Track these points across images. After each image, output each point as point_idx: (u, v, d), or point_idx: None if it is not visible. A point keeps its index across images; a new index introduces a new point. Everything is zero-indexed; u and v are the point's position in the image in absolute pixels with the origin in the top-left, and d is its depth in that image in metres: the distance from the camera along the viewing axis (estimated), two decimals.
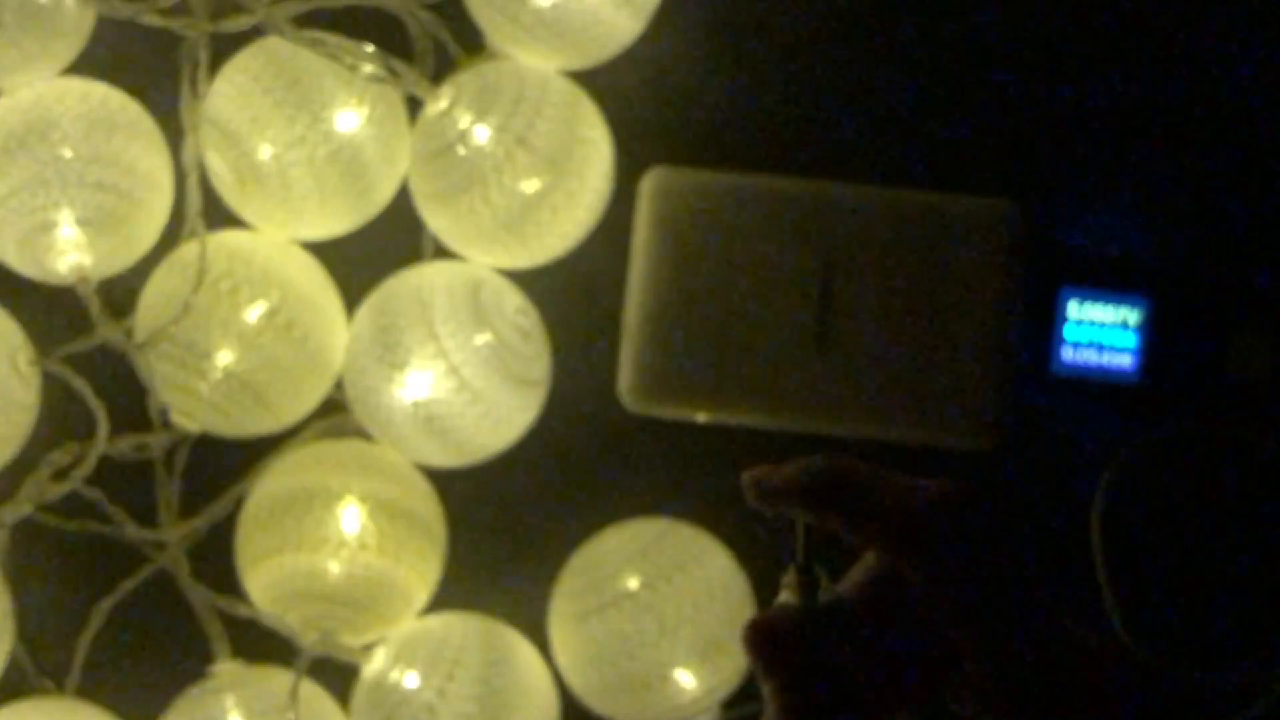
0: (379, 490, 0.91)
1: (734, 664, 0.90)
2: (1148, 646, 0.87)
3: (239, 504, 0.93)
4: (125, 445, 0.93)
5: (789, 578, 0.57)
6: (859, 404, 0.89)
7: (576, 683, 0.91)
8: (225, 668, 0.93)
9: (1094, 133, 0.93)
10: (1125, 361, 0.90)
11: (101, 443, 0.91)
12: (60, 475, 0.93)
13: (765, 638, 0.56)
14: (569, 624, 0.91)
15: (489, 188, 0.88)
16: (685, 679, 0.89)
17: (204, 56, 0.92)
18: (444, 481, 0.93)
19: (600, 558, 0.91)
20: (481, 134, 0.88)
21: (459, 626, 0.92)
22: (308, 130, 0.89)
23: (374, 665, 0.91)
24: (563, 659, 0.92)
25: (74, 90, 0.92)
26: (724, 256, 0.90)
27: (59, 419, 0.93)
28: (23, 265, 0.92)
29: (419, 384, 0.89)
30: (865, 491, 0.56)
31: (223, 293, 0.90)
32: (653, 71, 0.94)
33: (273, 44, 0.90)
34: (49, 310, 0.93)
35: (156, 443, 0.94)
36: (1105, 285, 0.90)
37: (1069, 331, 0.90)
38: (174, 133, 0.93)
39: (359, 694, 0.92)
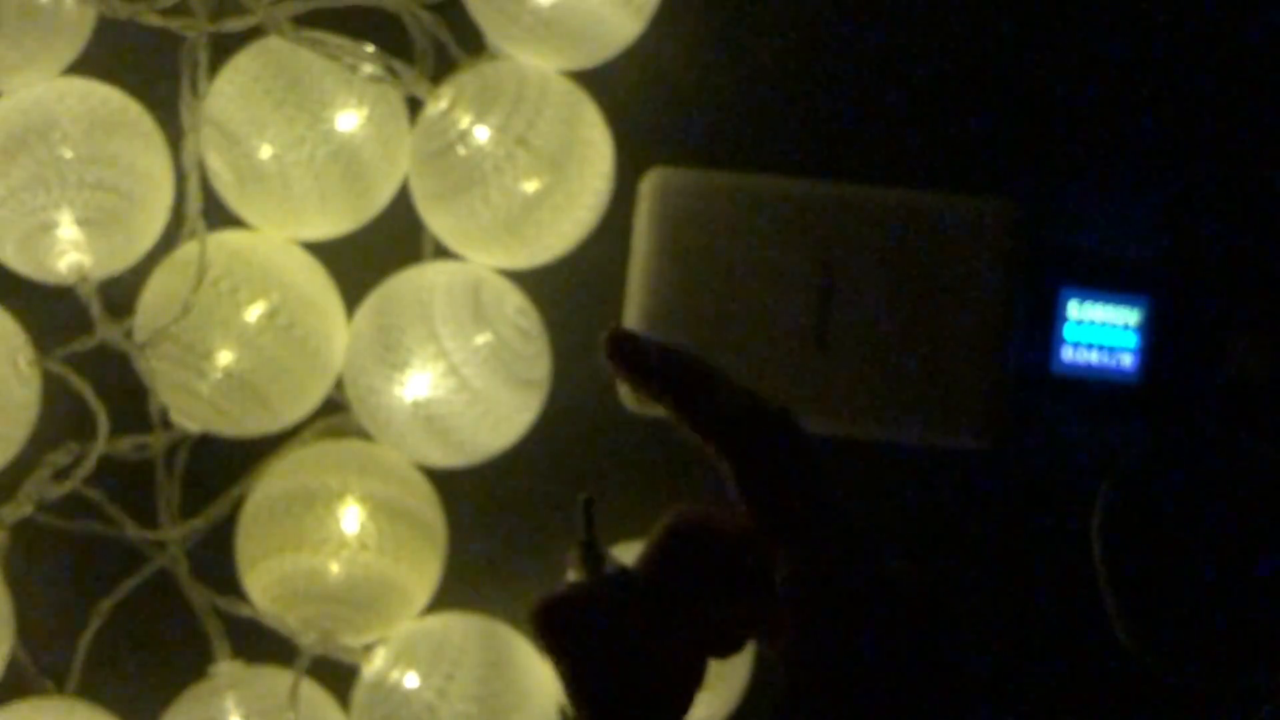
0: (379, 490, 0.91)
1: (734, 683, 0.90)
2: (1150, 653, 0.87)
3: (239, 504, 0.93)
4: (125, 445, 0.93)
5: (572, 554, 0.57)
6: (859, 404, 0.89)
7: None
8: (225, 668, 0.93)
9: (1094, 133, 0.93)
10: (1125, 361, 0.90)
11: (101, 443, 0.91)
12: (60, 475, 0.93)
13: (551, 619, 0.56)
14: None
15: (489, 188, 0.88)
16: None
17: (204, 56, 0.92)
18: (444, 481, 0.93)
19: None
20: (481, 134, 0.88)
21: (459, 626, 0.92)
22: (308, 130, 0.89)
23: (374, 665, 0.91)
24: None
25: (74, 90, 0.92)
26: (724, 256, 0.90)
27: (59, 419, 0.93)
28: (23, 265, 0.92)
29: (419, 384, 0.89)
30: (709, 386, 0.57)
31: (223, 293, 0.90)
32: (653, 71, 0.94)
33: (273, 44, 0.90)
34: (49, 310, 0.93)
35: (156, 443, 0.94)
36: (1105, 285, 0.90)
37: (1069, 331, 0.90)
38: (174, 133, 0.93)
39: (359, 694, 0.92)
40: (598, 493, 0.95)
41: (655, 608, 0.57)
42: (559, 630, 0.56)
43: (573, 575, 0.57)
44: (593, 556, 0.57)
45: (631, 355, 0.58)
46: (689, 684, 0.58)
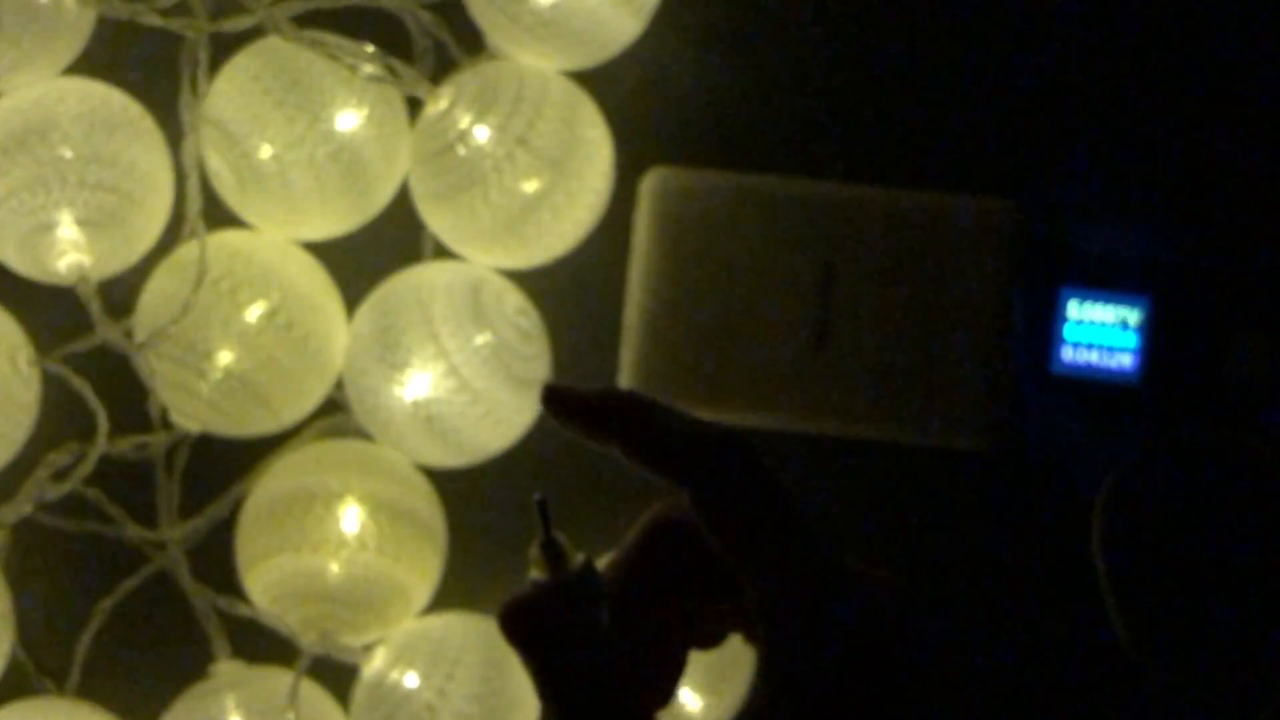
0: (379, 490, 0.91)
1: (740, 685, 0.89)
2: (1150, 653, 0.87)
3: (239, 504, 0.93)
4: (125, 445, 0.93)
5: (533, 553, 0.57)
6: (859, 404, 0.89)
7: None
8: (225, 668, 0.93)
9: (1094, 133, 0.93)
10: (1125, 361, 0.90)
11: (101, 443, 0.91)
12: (60, 475, 0.93)
13: (515, 622, 0.55)
14: None
15: (489, 188, 0.88)
16: (689, 699, 0.89)
17: (204, 56, 0.92)
18: (444, 481, 0.93)
19: None
20: (481, 134, 0.88)
21: (459, 626, 0.92)
22: (308, 130, 0.89)
23: (374, 665, 0.91)
24: None
25: (74, 90, 0.92)
26: (724, 256, 0.90)
27: (59, 419, 0.93)
28: (23, 265, 0.92)
29: (419, 384, 0.89)
30: (656, 418, 0.56)
31: (223, 293, 0.90)
32: (653, 71, 0.94)
33: (273, 44, 0.90)
34: (49, 310, 0.93)
35: (156, 443, 0.94)
36: (1105, 285, 0.90)
37: (1069, 331, 0.90)
38: (174, 133, 0.93)
39: (359, 694, 0.92)
40: (597, 493, 0.95)
41: (627, 602, 0.56)
42: (524, 632, 0.55)
43: (536, 574, 0.57)
44: (554, 555, 0.56)
45: (569, 402, 0.57)
46: (667, 676, 0.58)
